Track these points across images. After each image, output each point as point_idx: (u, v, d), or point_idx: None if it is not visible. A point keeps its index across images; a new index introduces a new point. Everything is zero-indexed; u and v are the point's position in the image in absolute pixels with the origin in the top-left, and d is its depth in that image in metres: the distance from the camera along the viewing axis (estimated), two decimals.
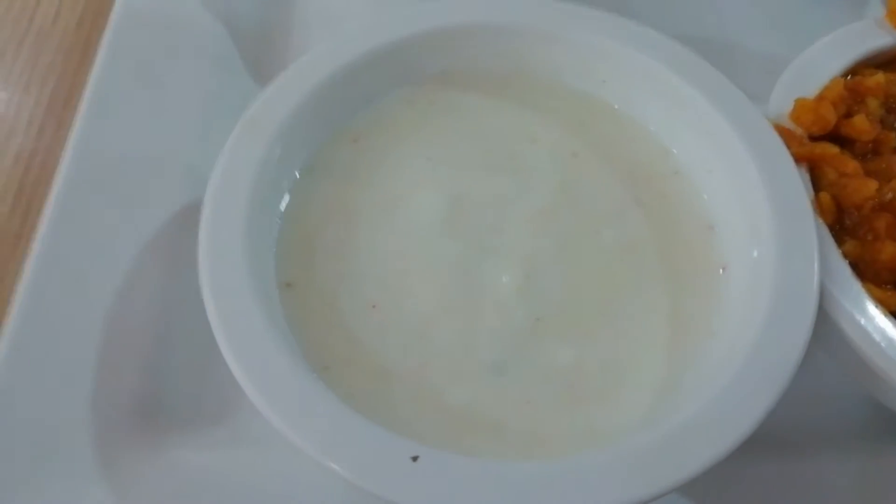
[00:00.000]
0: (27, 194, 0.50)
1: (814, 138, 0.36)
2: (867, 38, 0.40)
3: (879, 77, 0.37)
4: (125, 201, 0.42)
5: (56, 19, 0.58)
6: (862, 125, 0.35)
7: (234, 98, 0.48)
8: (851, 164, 0.34)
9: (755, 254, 0.33)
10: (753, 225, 0.34)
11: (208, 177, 0.40)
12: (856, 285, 0.32)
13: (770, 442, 0.35)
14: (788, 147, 0.35)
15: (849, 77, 0.39)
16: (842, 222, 0.34)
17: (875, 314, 0.31)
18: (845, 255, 0.33)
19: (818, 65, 0.38)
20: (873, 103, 0.36)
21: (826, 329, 0.31)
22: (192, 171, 0.44)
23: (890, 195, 0.33)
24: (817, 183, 0.35)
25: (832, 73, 0.38)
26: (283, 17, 0.53)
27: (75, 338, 0.38)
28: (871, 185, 0.33)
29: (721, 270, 0.35)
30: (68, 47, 0.57)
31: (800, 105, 0.36)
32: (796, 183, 0.34)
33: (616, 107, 0.40)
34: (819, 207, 0.34)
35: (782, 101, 0.37)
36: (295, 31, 0.52)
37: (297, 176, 0.37)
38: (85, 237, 0.40)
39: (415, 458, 0.27)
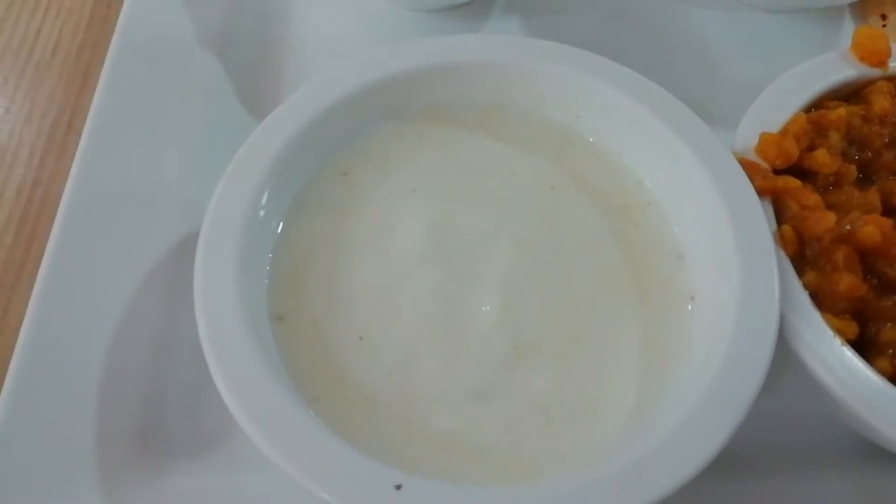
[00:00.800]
0: (30, 225, 0.51)
1: (778, 171, 0.38)
2: (832, 70, 0.42)
3: (841, 111, 0.38)
4: (124, 233, 0.44)
5: (55, 51, 0.60)
6: (823, 159, 0.37)
7: (229, 130, 0.50)
8: (812, 197, 0.36)
9: (721, 283, 0.35)
10: (719, 256, 0.36)
11: (205, 208, 0.42)
12: (815, 315, 0.33)
13: (740, 461, 0.37)
14: (753, 181, 0.37)
15: (813, 109, 0.40)
16: (803, 253, 0.35)
17: (833, 343, 0.33)
18: (806, 286, 0.34)
19: (783, 98, 0.40)
20: (835, 136, 0.38)
21: (787, 357, 0.33)
22: (189, 203, 0.46)
23: (848, 227, 0.35)
24: (781, 215, 0.37)
25: (797, 106, 0.40)
26: (276, 51, 0.55)
27: (77, 367, 0.40)
28: (830, 218, 0.35)
29: (690, 299, 0.36)
30: (68, 78, 0.58)
31: (764, 139, 0.38)
32: (759, 216, 0.36)
33: (592, 140, 0.41)
34: (781, 239, 0.35)
35: (749, 135, 0.39)
36: (288, 64, 0.54)
37: (289, 209, 0.39)
38: (85, 270, 0.42)
39: (398, 487, 0.29)
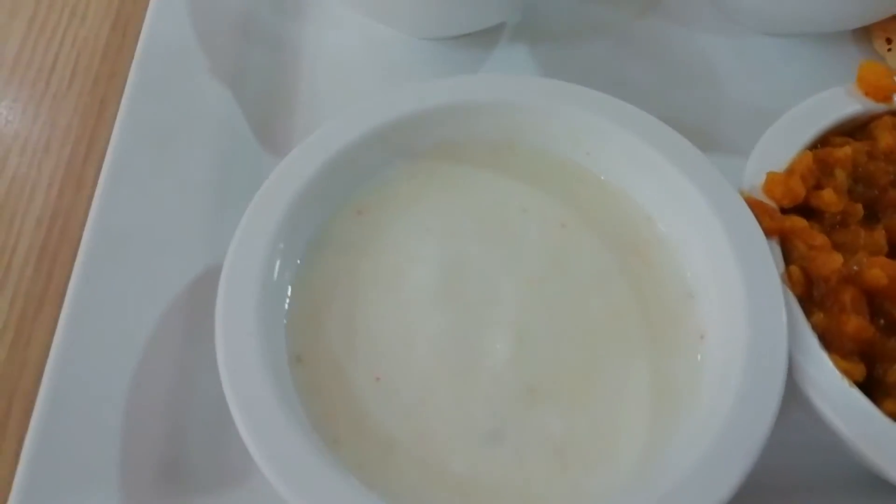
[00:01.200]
0: (49, 257, 0.52)
1: (785, 210, 0.38)
2: (837, 106, 0.42)
3: (847, 149, 0.39)
4: (144, 269, 0.45)
5: (72, 81, 0.61)
6: (830, 198, 0.37)
7: (244, 162, 0.51)
8: (819, 238, 0.36)
9: (730, 323, 0.36)
10: (728, 296, 0.36)
11: (222, 242, 0.43)
12: (823, 356, 0.34)
13: (747, 492, 0.38)
14: (761, 221, 0.37)
15: (819, 145, 0.41)
16: (811, 294, 0.36)
17: (841, 385, 0.33)
18: (814, 327, 0.35)
19: (789, 135, 0.41)
20: (841, 175, 0.39)
21: (796, 398, 0.34)
22: (207, 237, 0.47)
23: (855, 268, 0.35)
24: (788, 255, 0.37)
25: (803, 143, 0.40)
26: (289, 81, 0.56)
27: (100, 402, 0.41)
28: (837, 259, 0.35)
29: (700, 338, 0.37)
30: (84, 108, 0.59)
31: (771, 179, 0.38)
32: (767, 256, 0.36)
33: (601, 176, 0.42)
34: (789, 280, 0.36)
35: (756, 173, 0.39)
36: (300, 94, 0.55)
37: (307, 249, 0.40)
38: (106, 307, 0.43)
39: None
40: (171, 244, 0.46)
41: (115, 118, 0.58)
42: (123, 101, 0.50)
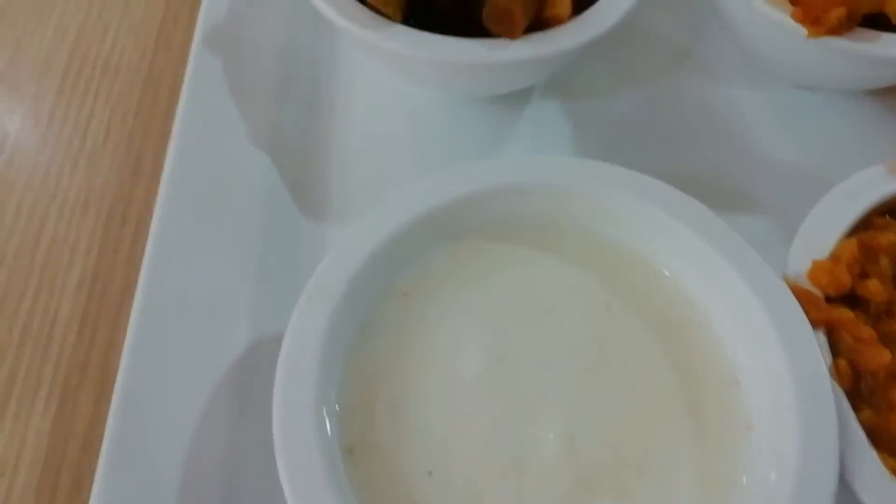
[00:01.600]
0: (91, 323, 0.53)
1: (830, 298, 0.39)
2: (877, 186, 0.43)
3: (891, 236, 0.39)
4: (192, 343, 0.45)
5: (107, 138, 0.61)
6: (875, 289, 0.38)
7: (283, 230, 0.52)
8: (866, 331, 0.37)
9: (779, 417, 0.36)
10: (776, 388, 0.37)
11: (266, 314, 0.44)
12: (872, 455, 0.35)
13: None
14: (807, 311, 0.38)
15: (861, 227, 0.41)
16: (859, 388, 0.37)
17: (891, 486, 0.34)
18: (862, 423, 0.35)
19: (832, 218, 0.41)
20: (885, 262, 0.39)
21: (844, 495, 0.34)
22: (252, 311, 0.48)
23: None
24: (834, 346, 0.38)
25: (845, 227, 0.41)
26: (324, 143, 0.56)
27: (153, 479, 0.41)
28: (886, 355, 0.36)
29: (748, 429, 0.38)
30: (120, 166, 0.60)
31: (817, 268, 0.39)
32: (814, 349, 0.37)
33: (643, 257, 0.43)
34: (837, 373, 0.37)
35: (800, 259, 0.40)
36: (336, 158, 0.56)
37: (356, 335, 0.40)
38: (157, 383, 0.43)
39: None
40: (216, 315, 0.47)
41: (150, 176, 0.59)
42: (165, 172, 0.50)
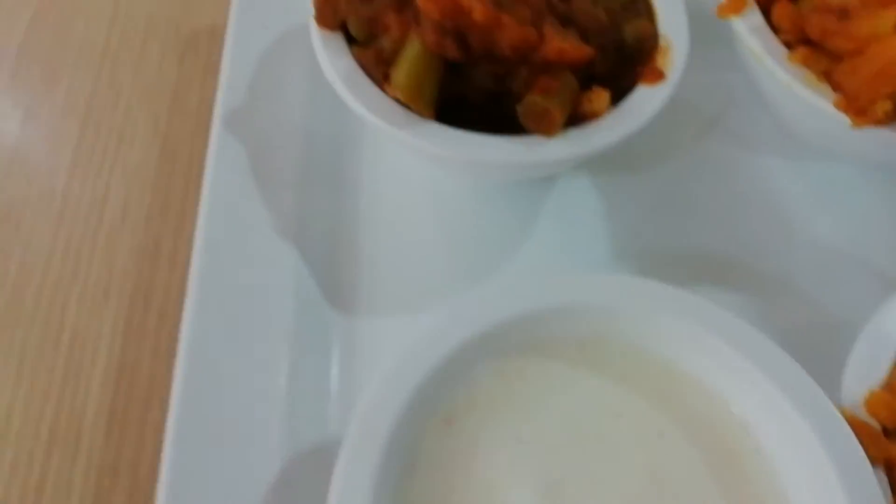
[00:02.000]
0: (119, 423, 0.52)
1: (887, 430, 0.38)
2: None
3: None
4: (228, 461, 0.45)
5: (125, 217, 0.60)
6: None
7: (313, 328, 0.51)
8: None
9: None
10: None
11: (301, 429, 0.43)
12: None
13: None
14: (865, 447, 0.37)
15: None
16: None
17: None
18: None
19: (882, 342, 0.40)
20: None
21: None
22: (287, 418, 0.47)
23: None
24: (894, 483, 0.37)
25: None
26: (349, 232, 0.55)
27: None
28: None
29: None
30: (139, 249, 0.59)
31: (874, 399, 0.38)
32: (874, 488, 0.36)
33: (694, 377, 0.42)
34: None
35: (854, 388, 0.39)
36: (363, 248, 0.54)
37: (401, 469, 0.39)
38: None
39: None
40: (252, 429, 0.46)
41: (168, 259, 0.57)
42: (193, 271, 0.49)
